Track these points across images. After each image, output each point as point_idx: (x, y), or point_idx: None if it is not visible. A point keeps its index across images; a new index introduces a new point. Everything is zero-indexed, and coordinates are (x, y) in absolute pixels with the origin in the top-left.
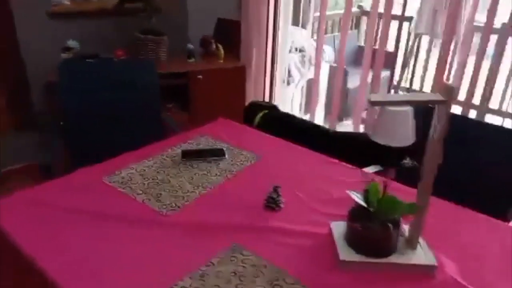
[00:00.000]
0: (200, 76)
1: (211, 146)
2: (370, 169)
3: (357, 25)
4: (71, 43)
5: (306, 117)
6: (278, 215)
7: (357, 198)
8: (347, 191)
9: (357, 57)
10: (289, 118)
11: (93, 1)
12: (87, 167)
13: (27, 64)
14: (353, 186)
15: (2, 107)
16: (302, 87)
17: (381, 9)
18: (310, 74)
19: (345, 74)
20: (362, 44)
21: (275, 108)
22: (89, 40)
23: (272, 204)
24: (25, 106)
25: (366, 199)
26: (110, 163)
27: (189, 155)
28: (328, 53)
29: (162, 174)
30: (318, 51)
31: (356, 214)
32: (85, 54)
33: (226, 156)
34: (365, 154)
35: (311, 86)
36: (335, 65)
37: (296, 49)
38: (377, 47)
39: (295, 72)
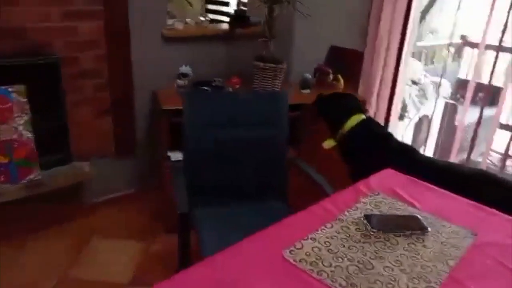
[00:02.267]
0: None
1: (397, 210)
2: None
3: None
4: (185, 69)
5: None
6: None
7: None
8: None
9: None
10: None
11: (205, 25)
12: (258, 235)
13: (136, 87)
14: None
15: (107, 131)
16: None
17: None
18: (425, 110)
19: (455, 110)
20: (463, 77)
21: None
22: (200, 65)
23: None
24: (129, 132)
25: None
26: (283, 227)
27: (377, 224)
28: (446, 87)
29: (355, 251)
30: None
31: None
32: (199, 81)
33: (429, 229)
34: None
35: (421, 122)
36: (451, 101)
37: (413, 82)
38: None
39: (411, 107)
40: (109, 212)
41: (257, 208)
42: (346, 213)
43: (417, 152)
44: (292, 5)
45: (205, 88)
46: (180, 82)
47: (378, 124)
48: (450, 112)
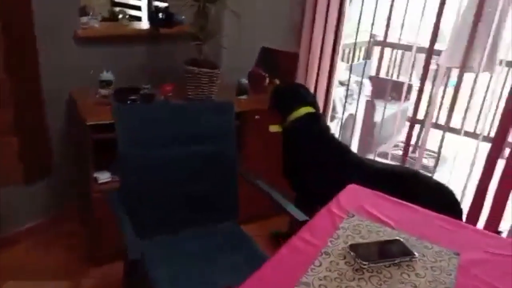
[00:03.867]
0: (257, 116)
1: (377, 234)
2: None
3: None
4: (106, 75)
5: None
6: None
7: None
8: None
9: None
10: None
11: (125, 24)
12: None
13: (48, 99)
14: None
15: (12, 153)
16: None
17: (392, 39)
18: (351, 109)
19: (373, 107)
20: (374, 74)
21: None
22: (123, 70)
23: None
24: (41, 153)
25: None
26: (268, 272)
27: (365, 255)
28: (367, 86)
29: None
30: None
31: None
32: (124, 88)
33: (416, 254)
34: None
35: (348, 121)
36: (370, 99)
37: (340, 83)
38: (397, 78)
39: (340, 108)
40: (24, 248)
41: (208, 233)
42: (329, 243)
43: (352, 153)
44: (223, 4)
45: (133, 97)
46: (104, 91)
47: (325, 122)
48: (369, 109)
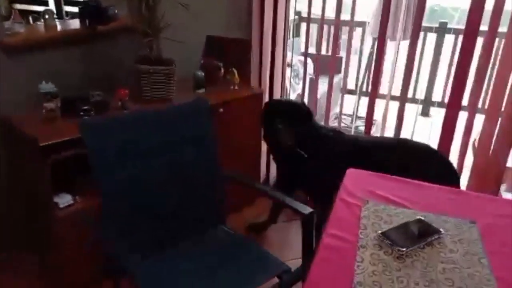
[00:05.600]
0: (221, 109)
1: (398, 217)
2: None
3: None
4: (46, 86)
5: None
6: None
7: None
8: None
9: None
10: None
11: (53, 24)
12: None
13: None
14: None
15: None
16: None
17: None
18: (299, 89)
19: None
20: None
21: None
22: (64, 78)
23: None
24: None
25: None
26: (319, 275)
27: (400, 241)
28: (310, 64)
29: (406, 283)
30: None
31: None
32: (71, 98)
33: (442, 230)
34: None
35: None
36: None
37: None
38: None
39: (288, 88)
40: None
41: (198, 244)
42: (360, 235)
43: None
44: None
45: (86, 107)
46: (50, 105)
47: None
48: (311, 85)
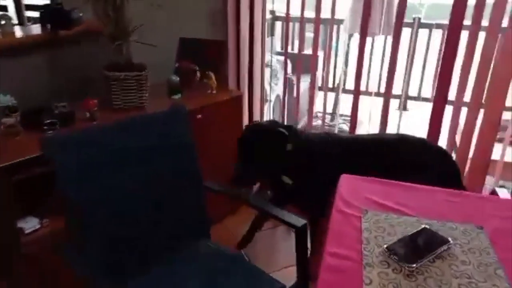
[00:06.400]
0: (199, 116)
1: (400, 226)
2: None
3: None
4: (4, 99)
5: None
6: None
7: None
8: None
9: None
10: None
11: (10, 31)
12: None
13: None
14: None
15: None
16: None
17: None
18: (278, 90)
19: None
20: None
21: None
22: (23, 89)
23: None
24: None
25: None
26: None
27: (408, 257)
28: (288, 63)
29: None
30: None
31: None
32: (32, 110)
33: (450, 240)
34: None
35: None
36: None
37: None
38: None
39: (268, 89)
40: None
41: (184, 260)
42: (365, 252)
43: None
44: None
45: (50, 120)
46: (9, 120)
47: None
48: (289, 85)
